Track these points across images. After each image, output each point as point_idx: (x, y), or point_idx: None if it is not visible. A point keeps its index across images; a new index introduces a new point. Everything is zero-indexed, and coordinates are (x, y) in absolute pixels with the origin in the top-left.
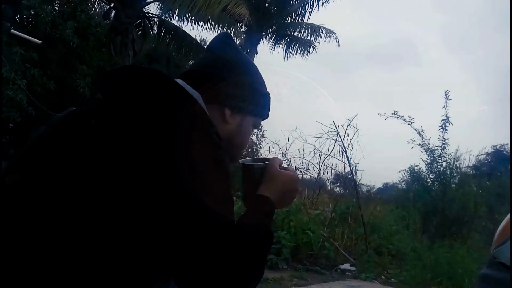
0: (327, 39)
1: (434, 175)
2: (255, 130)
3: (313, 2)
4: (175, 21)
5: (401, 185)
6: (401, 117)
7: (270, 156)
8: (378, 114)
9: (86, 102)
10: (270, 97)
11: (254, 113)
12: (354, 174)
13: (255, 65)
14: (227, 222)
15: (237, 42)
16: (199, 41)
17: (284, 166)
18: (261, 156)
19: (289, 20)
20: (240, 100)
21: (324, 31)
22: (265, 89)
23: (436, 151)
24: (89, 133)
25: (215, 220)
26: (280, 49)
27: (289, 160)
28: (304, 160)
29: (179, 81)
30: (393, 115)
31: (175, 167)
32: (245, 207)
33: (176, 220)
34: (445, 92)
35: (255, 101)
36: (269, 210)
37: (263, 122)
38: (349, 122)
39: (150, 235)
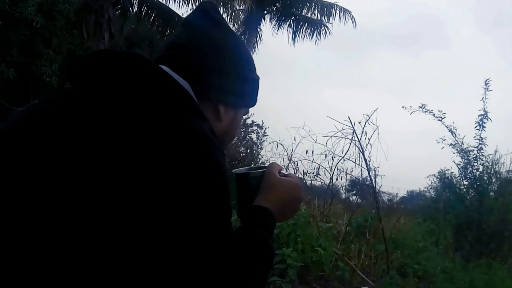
0: (341, 20)
1: (469, 181)
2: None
3: None
4: None
5: (429, 193)
6: (430, 112)
7: (272, 159)
8: (403, 107)
9: (53, 94)
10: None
11: (247, 104)
12: (373, 180)
13: (246, 46)
14: (223, 238)
15: (235, 23)
16: None
17: (285, 172)
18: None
19: None
20: (234, 94)
21: (337, 10)
22: (256, 73)
23: (471, 153)
24: (58, 133)
25: (210, 236)
26: (284, 32)
27: (296, 163)
28: (313, 163)
29: (165, 68)
30: (420, 109)
31: (173, 181)
32: (240, 222)
33: (167, 239)
34: (485, 81)
35: (249, 91)
36: (269, 223)
37: (263, 120)
38: (368, 117)
39: (138, 255)
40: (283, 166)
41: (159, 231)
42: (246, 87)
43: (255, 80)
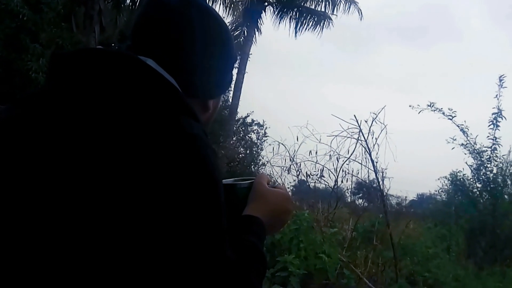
0: (346, 11)
1: (482, 183)
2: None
3: None
4: None
5: (440, 196)
6: (439, 110)
7: (273, 161)
8: (410, 106)
9: (32, 93)
10: None
11: (228, 87)
12: (380, 183)
13: (229, 31)
14: (218, 242)
15: (233, 16)
16: None
17: (273, 184)
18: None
19: None
20: (222, 86)
21: (343, 1)
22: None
23: (484, 153)
24: (45, 135)
25: (204, 239)
26: (286, 24)
27: (298, 164)
28: (317, 165)
29: (151, 63)
30: (428, 107)
31: (166, 182)
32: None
33: (160, 241)
34: (500, 77)
35: (231, 78)
36: (260, 231)
37: (264, 119)
38: (375, 116)
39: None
40: (284, 168)
41: (151, 233)
42: (230, 76)
43: (235, 62)
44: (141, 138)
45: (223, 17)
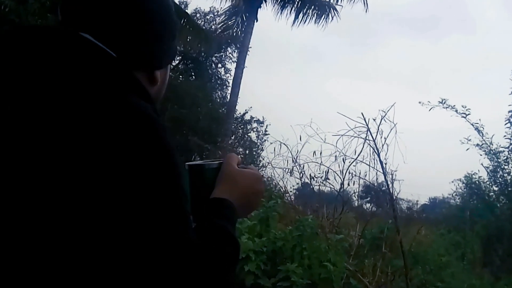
0: (352, 1)
1: (499, 186)
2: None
3: None
4: None
5: (454, 200)
6: (452, 107)
7: (275, 162)
8: (419, 103)
9: None
10: None
11: (175, 56)
12: (390, 186)
13: None
14: (181, 226)
15: (229, 5)
16: (177, 2)
17: (244, 165)
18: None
19: None
20: (167, 55)
21: None
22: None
23: (501, 154)
24: None
25: (166, 224)
26: (288, 15)
27: (302, 166)
28: (322, 166)
29: (91, 38)
30: (440, 104)
31: (120, 164)
32: (193, 221)
33: (117, 226)
34: None
35: (176, 46)
36: (230, 214)
37: (264, 116)
38: (384, 114)
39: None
40: (286, 170)
41: (107, 216)
42: (176, 42)
43: (178, 28)
44: (90, 121)
45: (221, 6)
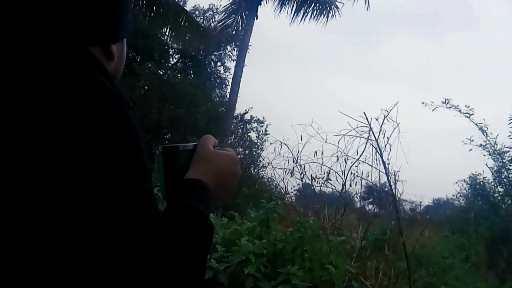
0: None
1: (504, 187)
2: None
3: None
4: None
5: (458, 201)
6: (455, 107)
7: (275, 162)
8: (422, 103)
9: None
10: None
11: (130, 29)
12: (393, 186)
13: None
14: (146, 204)
15: (227, 1)
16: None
17: (220, 147)
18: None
19: None
20: (120, 27)
21: None
22: None
23: (506, 154)
24: None
25: (131, 202)
26: (289, 12)
27: (303, 166)
28: (323, 167)
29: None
30: (443, 104)
31: (82, 141)
32: (166, 204)
33: (82, 207)
34: None
35: (130, 19)
36: (203, 194)
37: (264, 115)
38: (386, 113)
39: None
40: (286, 170)
41: (71, 193)
42: (129, 15)
43: (131, 1)
44: (51, 99)
45: (220, 3)
